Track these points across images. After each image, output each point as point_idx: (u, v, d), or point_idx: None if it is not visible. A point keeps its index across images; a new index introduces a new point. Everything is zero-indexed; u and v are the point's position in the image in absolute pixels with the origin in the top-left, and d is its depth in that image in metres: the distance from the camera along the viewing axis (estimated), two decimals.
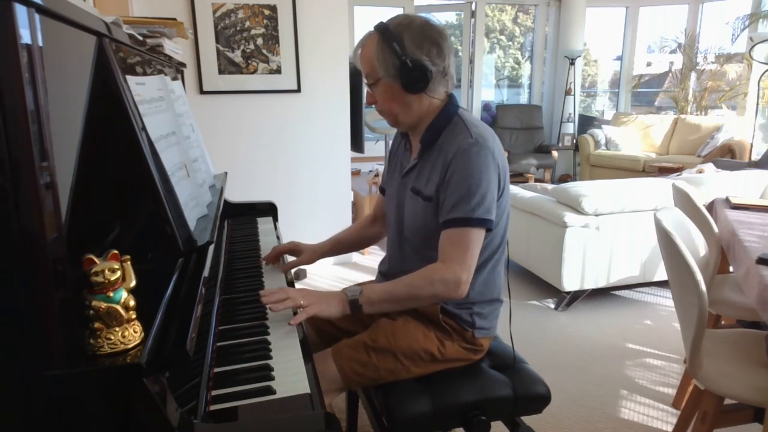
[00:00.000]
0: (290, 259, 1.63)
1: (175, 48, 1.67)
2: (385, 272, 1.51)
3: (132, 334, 0.74)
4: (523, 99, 8.17)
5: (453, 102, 1.35)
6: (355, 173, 5.44)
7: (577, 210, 2.92)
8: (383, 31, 1.26)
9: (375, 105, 1.34)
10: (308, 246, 1.63)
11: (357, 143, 3.79)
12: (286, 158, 3.53)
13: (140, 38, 1.32)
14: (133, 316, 0.75)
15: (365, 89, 1.36)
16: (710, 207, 2.36)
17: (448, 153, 1.26)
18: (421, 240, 1.35)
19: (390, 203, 1.48)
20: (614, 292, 3.28)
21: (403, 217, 1.40)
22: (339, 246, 1.67)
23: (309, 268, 3.60)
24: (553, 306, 3.10)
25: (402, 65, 1.23)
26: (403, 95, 1.28)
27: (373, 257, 3.94)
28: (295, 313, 1.22)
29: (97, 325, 0.72)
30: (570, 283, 2.98)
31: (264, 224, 1.97)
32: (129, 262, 0.77)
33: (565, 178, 6.90)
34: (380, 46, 1.25)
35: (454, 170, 1.24)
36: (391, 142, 1.56)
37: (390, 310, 1.35)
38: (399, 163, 1.47)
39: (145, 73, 1.20)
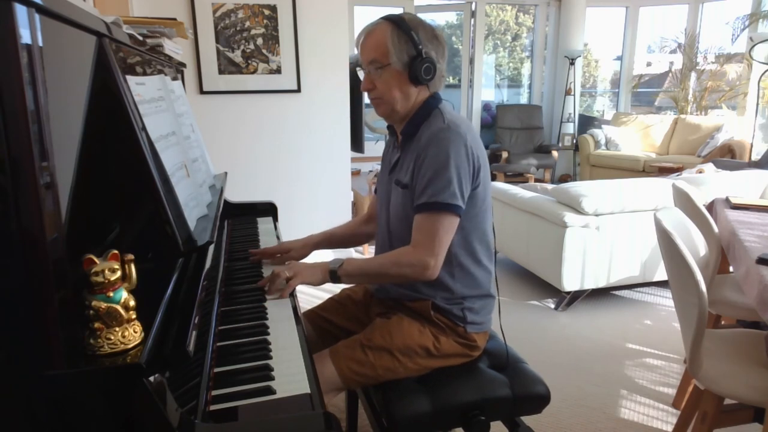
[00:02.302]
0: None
1: (175, 48, 1.67)
2: None
3: (132, 334, 0.74)
4: (523, 99, 8.17)
5: (436, 96, 1.39)
6: (355, 173, 5.45)
7: (577, 210, 2.92)
8: (399, 21, 1.30)
9: (371, 92, 1.36)
10: (297, 242, 1.63)
11: (357, 143, 3.79)
12: (286, 158, 3.53)
13: (140, 38, 1.32)
14: (133, 316, 0.75)
15: (361, 75, 1.38)
16: (710, 207, 2.36)
17: (423, 141, 1.30)
18: (404, 228, 1.37)
19: (380, 200, 1.51)
20: (614, 292, 3.28)
21: (389, 209, 1.43)
22: (332, 239, 1.70)
23: None
24: (553, 306, 3.10)
25: (417, 55, 1.28)
26: (407, 85, 1.32)
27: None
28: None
29: (97, 325, 0.72)
30: (570, 283, 2.98)
31: (264, 224, 1.97)
32: (132, 264, 0.76)
33: (565, 178, 6.90)
34: (397, 33, 1.29)
35: (425, 156, 1.28)
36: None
37: (365, 284, 1.53)
38: (388, 161, 1.50)
39: (145, 73, 1.20)
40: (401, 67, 1.30)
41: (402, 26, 1.29)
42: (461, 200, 1.26)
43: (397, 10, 6.60)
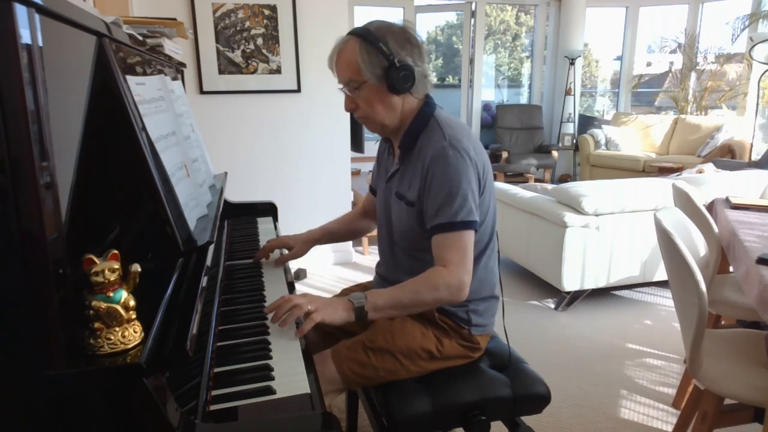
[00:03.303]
0: (284, 252, 1.63)
1: (175, 48, 1.67)
2: (382, 274, 1.52)
3: (132, 334, 0.74)
4: (523, 99, 8.17)
5: (429, 103, 1.35)
6: (355, 173, 5.45)
7: (577, 210, 2.92)
8: (365, 33, 1.26)
9: (355, 111, 1.33)
10: (298, 237, 1.63)
11: (357, 143, 3.79)
12: (286, 158, 3.53)
13: (140, 38, 1.32)
14: (133, 316, 0.75)
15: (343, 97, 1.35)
16: (710, 207, 2.36)
17: (426, 157, 1.27)
18: (409, 242, 1.37)
19: (379, 207, 1.50)
20: (614, 292, 3.28)
21: (391, 221, 1.42)
22: (330, 236, 1.69)
23: (309, 268, 3.60)
24: (553, 306, 3.10)
25: (390, 65, 1.24)
26: (388, 97, 1.29)
27: (373, 257, 3.94)
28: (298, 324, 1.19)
29: (97, 325, 0.72)
30: (570, 283, 2.98)
31: (264, 224, 1.97)
32: (137, 276, 0.76)
33: (565, 178, 6.90)
34: (365, 48, 1.25)
35: (433, 176, 1.25)
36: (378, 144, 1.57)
37: (395, 316, 1.33)
38: (384, 168, 1.48)
39: (145, 73, 1.20)
40: (377, 81, 1.26)
41: (369, 38, 1.24)
42: (477, 214, 1.26)
43: (397, 11, 6.62)
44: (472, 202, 1.24)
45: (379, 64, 1.25)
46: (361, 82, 1.27)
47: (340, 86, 1.33)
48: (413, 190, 1.31)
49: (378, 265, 1.56)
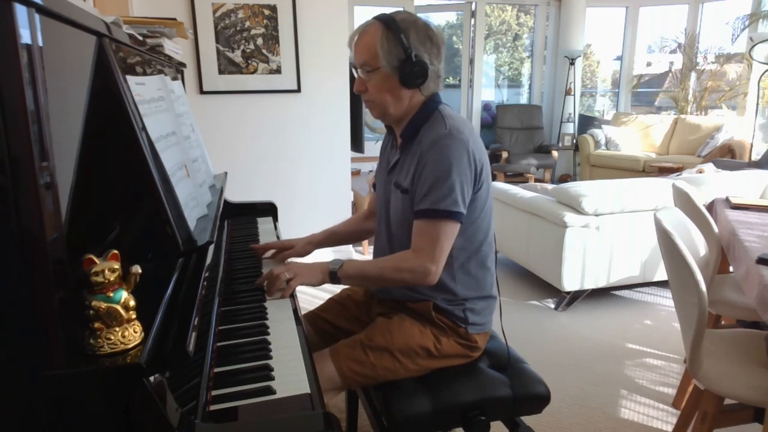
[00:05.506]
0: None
1: (175, 48, 1.67)
2: None
3: (132, 334, 0.74)
4: (523, 99, 8.17)
5: (435, 98, 1.37)
6: (355, 173, 5.45)
7: (577, 210, 2.92)
8: (390, 21, 1.26)
9: (364, 94, 1.34)
10: (299, 240, 1.64)
11: (357, 143, 3.79)
12: (286, 158, 3.53)
13: (140, 38, 1.32)
14: (133, 316, 0.75)
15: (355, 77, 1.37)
16: (710, 207, 2.36)
17: (424, 145, 1.29)
18: (405, 232, 1.37)
19: (379, 200, 1.50)
20: (614, 292, 3.28)
21: (389, 213, 1.42)
22: (334, 237, 1.70)
23: None
24: (553, 306, 3.10)
25: (407, 58, 1.25)
26: (398, 88, 1.30)
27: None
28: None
29: (97, 325, 0.72)
30: (570, 283, 2.98)
31: (264, 224, 1.97)
32: (137, 277, 0.76)
33: (565, 178, 6.90)
34: (386, 35, 1.25)
35: (426, 161, 1.27)
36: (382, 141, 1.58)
37: (364, 286, 1.51)
38: (386, 160, 1.49)
39: (145, 73, 1.20)
40: (391, 71, 1.27)
41: (392, 27, 1.25)
42: (462, 206, 1.26)
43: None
44: (459, 194, 1.25)
45: (396, 54, 1.26)
46: (375, 67, 1.28)
47: (354, 67, 1.35)
48: (409, 177, 1.32)
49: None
